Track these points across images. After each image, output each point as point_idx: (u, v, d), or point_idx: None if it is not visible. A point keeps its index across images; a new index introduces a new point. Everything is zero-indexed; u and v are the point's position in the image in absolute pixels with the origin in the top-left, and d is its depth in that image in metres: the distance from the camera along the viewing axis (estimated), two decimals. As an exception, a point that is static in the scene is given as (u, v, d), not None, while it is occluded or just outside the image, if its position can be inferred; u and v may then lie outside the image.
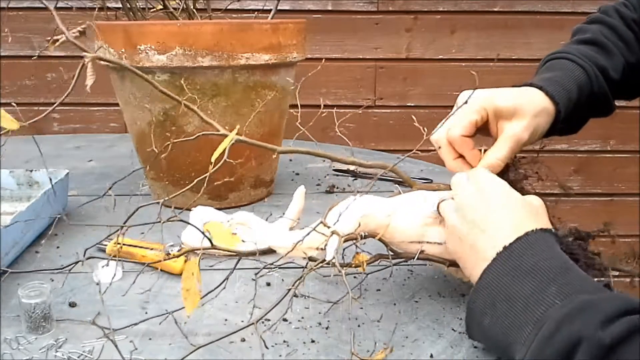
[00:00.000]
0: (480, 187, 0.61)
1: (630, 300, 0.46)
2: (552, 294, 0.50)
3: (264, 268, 0.61)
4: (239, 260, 0.62)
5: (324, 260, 0.57)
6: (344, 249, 0.67)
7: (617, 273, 0.66)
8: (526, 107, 0.68)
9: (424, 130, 0.66)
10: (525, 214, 0.58)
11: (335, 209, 0.63)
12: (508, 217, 0.57)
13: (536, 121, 0.68)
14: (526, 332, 0.50)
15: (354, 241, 0.63)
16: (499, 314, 0.52)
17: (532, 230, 0.55)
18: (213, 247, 0.61)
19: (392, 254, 0.65)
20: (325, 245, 0.58)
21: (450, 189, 0.64)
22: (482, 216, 0.58)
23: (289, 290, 0.56)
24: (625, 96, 0.83)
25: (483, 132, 0.70)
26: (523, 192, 0.62)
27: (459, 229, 0.60)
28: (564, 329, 0.46)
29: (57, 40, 0.53)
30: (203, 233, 0.59)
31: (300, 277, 0.56)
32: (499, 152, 0.67)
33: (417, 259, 0.64)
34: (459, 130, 0.67)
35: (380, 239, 0.64)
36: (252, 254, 0.63)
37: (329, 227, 0.59)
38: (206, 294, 0.61)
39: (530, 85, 0.71)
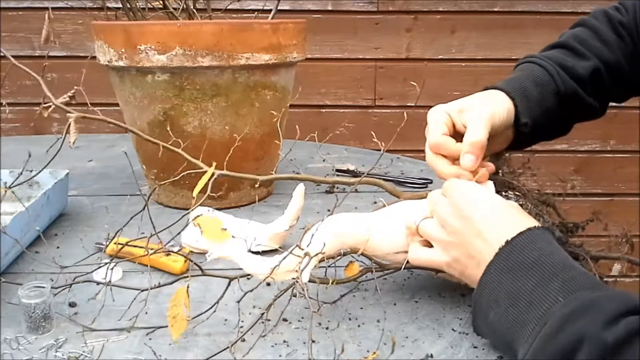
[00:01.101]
0: (455, 196, 0.61)
1: (632, 300, 0.47)
2: (555, 290, 0.50)
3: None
4: (228, 284, 0.63)
5: (296, 280, 0.58)
6: (329, 265, 0.68)
7: (617, 271, 0.66)
8: (483, 99, 0.71)
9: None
10: (511, 212, 0.59)
11: (310, 231, 0.63)
12: (496, 217, 0.58)
13: (495, 105, 0.70)
14: (529, 329, 0.50)
15: (333, 259, 0.65)
16: (503, 309, 0.53)
17: (535, 227, 0.56)
18: (204, 273, 0.63)
19: (377, 266, 0.66)
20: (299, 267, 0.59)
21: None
22: (470, 222, 0.59)
23: (262, 314, 0.59)
24: (614, 98, 0.83)
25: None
26: (516, 190, 0.63)
27: (449, 244, 0.60)
28: (566, 328, 0.46)
29: (49, 107, 0.57)
30: (187, 257, 0.59)
31: (273, 301, 0.58)
32: (473, 130, 0.67)
33: (404, 268, 0.64)
34: (436, 132, 0.68)
35: (363, 253, 0.65)
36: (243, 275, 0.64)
37: (302, 250, 0.60)
38: (199, 314, 0.62)
39: (485, 89, 0.74)
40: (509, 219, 0.58)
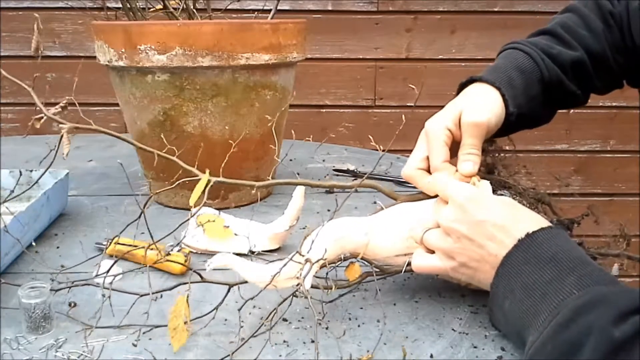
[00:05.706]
0: (461, 201, 0.60)
1: None
2: (570, 284, 0.51)
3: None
4: (228, 291, 0.62)
5: (299, 286, 0.57)
6: (329, 269, 0.68)
7: (616, 271, 0.67)
8: (477, 99, 0.70)
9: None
10: (523, 211, 0.60)
11: (310, 237, 0.63)
12: (511, 218, 0.58)
13: (491, 107, 0.69)
14: (542, 319, 0.51)
15: (334, 264, 0.65)
16: (518, 299, 0.54)
17: (554, 225, 0.57)
18: (203, 280, 0.62)
19: (377, 270, 0.66)
20: (300, 274, 0.59)
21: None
22: (482, 226, 0.58)
23: (262, 324, 0.58)
24: (597, 90, 0.82)
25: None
26: (512, 189, 0.63)
27: (453, 250, 0.60)
28: (578, 319, 0.47)
29: (41, 119, 0.58)
30: (186, 261, 0.59)
31: (275, 309, 0.58)
32: (468, 146, 0.66)
33: (405, 271, 0.64)
34: (439, 157, 0.67)
35: (363, 258, 0.65)
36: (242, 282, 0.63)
37: (303, 256, 0.60)
38: (199, 317, 0.62)
39: (471, 79, 0.74)
40: (524, 217, 0.59)
